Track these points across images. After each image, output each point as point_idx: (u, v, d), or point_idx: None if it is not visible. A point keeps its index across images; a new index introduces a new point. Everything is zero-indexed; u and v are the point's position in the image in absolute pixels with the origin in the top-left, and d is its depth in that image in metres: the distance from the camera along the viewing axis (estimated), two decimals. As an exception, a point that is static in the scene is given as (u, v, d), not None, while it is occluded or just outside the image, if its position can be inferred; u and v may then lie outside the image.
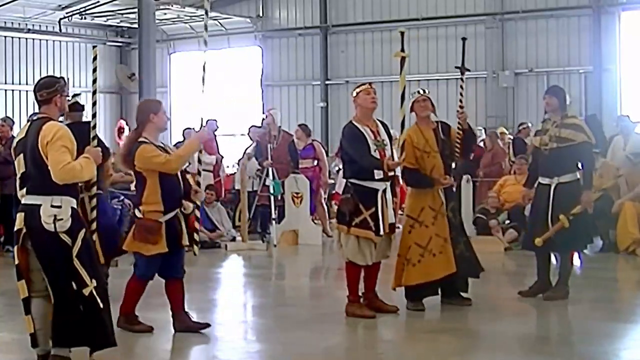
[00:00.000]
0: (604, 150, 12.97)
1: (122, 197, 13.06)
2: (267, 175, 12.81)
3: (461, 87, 8.23)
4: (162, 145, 6.82)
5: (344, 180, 7.74)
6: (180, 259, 6.90)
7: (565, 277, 8.07)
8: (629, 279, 10.43)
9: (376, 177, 7.31)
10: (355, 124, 7.40)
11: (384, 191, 7.33)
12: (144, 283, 6.90)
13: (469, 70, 8.56)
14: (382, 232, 7.30)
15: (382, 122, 7.57)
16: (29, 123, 5.64)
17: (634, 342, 6.82)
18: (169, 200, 6.67)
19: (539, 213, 8.03)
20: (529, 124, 16.09)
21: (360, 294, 7.50)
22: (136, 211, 6.76)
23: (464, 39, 8.62)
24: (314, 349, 6.46)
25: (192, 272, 10.61)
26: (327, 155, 15.28)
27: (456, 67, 8.49)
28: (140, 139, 6.72)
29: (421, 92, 7.81)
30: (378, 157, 7.29)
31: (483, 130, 17.36)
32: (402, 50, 7.56)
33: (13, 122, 12.30)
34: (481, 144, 15.52)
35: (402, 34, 7.71)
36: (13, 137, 11.91)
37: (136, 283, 6.89)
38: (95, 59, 6.59)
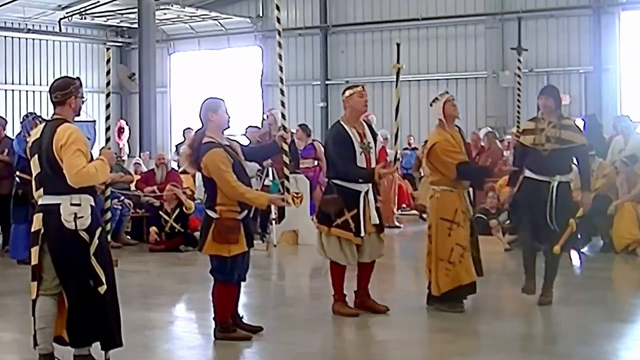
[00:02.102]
0: (604, 151, 12.93)
1: (122, 197, 13.08)
2: (267, 175, 12.79)
3: (519, 68, 7.95)
4: (228, 143, 6.59)
5: None
6: (249, 260, 6.68)
7: (552, 278, 8.00)
8: (628, 279, 10.42)
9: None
10: (343, 124, 7.41)
11: (367, 192, 7.35)
12: (231, 287, 6.59)
13: (526, 50, 8.40)
14: (362, 234, 7.30)
15: (368, 124, 7.57)
16: (43, 124, 5.62)
17: (634, 342, 6.82)
18: None
19: (540, 212, 7.89)
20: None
21: (353, 292, 7.53)
22: (210, 212, 6.46)
23: (519, 19, 8.47)
24: (314, 348, 6.46)
25: (192, 272, 10.66)
26: (327, 155, 15.27)
27: (511, 49, 8.40)
28: (206, 140, 6.49)
29: (448, 92, 7.90)
30: (364, 160, 7.31)
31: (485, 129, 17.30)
32: (398, 62, 7.61)
33: (5, 122, 12.23)
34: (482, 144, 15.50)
35: (398, 45, 7.76)
36: (6, 136, 11.88)
37: (222, 289, 6.56)
38: (108, 61, 6.55)
